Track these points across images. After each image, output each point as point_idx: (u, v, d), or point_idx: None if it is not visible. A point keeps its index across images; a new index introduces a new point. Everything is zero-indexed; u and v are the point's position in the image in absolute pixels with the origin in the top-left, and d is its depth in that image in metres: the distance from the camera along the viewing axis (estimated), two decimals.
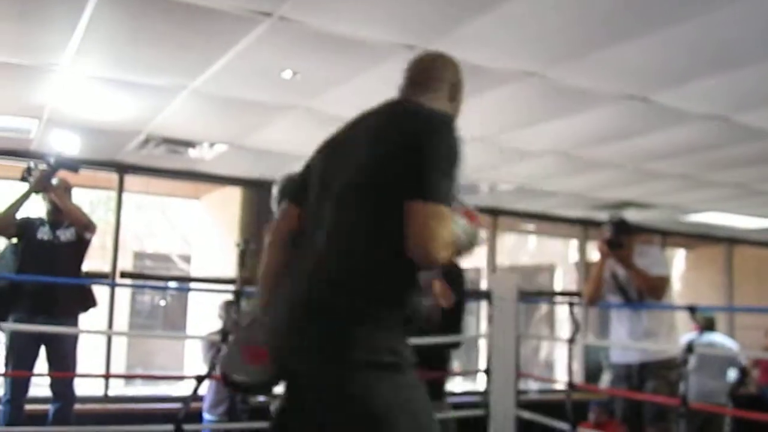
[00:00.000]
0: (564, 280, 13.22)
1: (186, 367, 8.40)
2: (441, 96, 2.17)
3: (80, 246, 4.77)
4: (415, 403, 1.90)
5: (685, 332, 5.46)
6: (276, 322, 1.93)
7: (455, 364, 6.53)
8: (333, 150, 2.03)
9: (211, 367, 4.47)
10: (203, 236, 8.82)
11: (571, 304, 5.32)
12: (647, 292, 4.33)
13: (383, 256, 1.83)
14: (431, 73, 2.20)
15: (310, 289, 1.86)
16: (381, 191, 1.84)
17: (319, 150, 2.07)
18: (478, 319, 9.11)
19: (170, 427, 4.32)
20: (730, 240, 9.95)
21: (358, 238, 1.85)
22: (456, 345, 5.23)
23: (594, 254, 5.44)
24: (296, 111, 4.58)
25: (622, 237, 4.37)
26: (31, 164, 4.61)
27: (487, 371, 4.82)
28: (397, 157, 1.85)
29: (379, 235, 1.83)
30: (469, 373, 9.36)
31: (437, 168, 1.83)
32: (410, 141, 1.86)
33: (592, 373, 8.36)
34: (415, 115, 1.98)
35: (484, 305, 6.01)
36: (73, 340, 4.69)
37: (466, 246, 2.05)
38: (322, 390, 1.81)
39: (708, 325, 6.05)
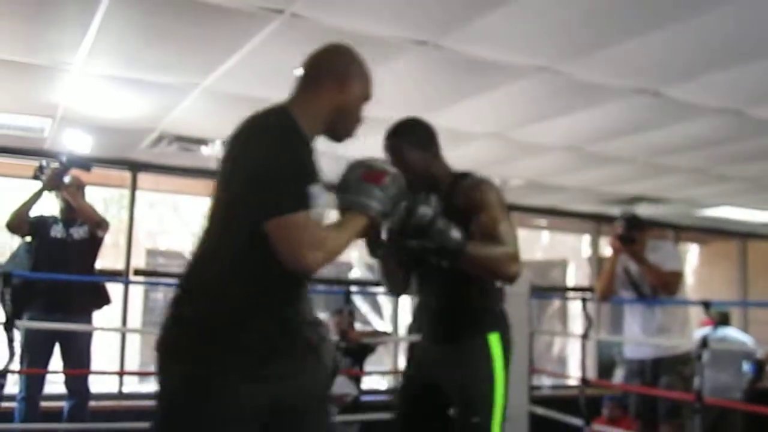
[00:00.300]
0: (577, 275, 13.19)
1: None
2: (328, 93, 2.07)
3: (93, 244, 4.80)
4: None
5: (694, 327, 5.45)
6: None
7: None
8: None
9: None
10: None
11: (583, 300, 5.31)
12: (660, 287, 4.32)
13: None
14: (315, 72, 2.11)
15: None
16: (232, 209, 1.90)
17: None
18: None
19: None
20: (744, 234, 9.88)
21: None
22: None
23: (606, 249, 5.42)
24: None
25: (634, 232, 4.36)
26: (43, 163, 4.65)
27: None
28: (236, 174, 1.90)
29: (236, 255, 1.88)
30: None
31: (271, 179, 1.82)
32: (241, 157, 1.90)
33: (605, 369, 8.34)
34: (247, 128, 1.97)
35: None
36: (88, 337, 4.72)
37: (389, 211, 2.05)
38: None
39: (722, 320, 6.03)
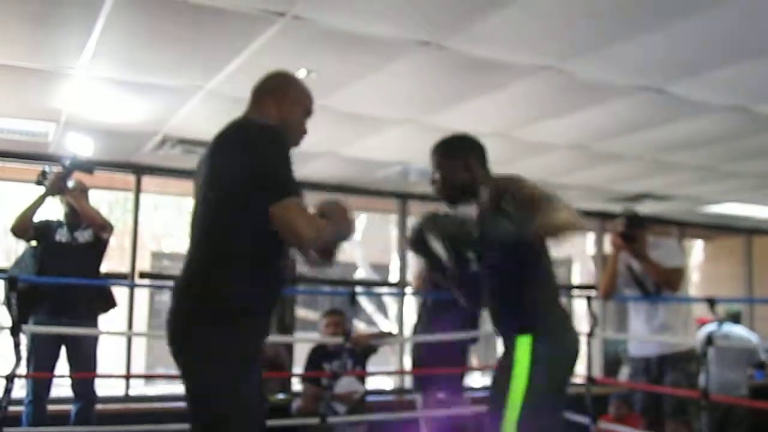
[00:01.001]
0: (581, 273, 13.17)
1: None
2: (267, 109, 2.47)
3: (98, 247, 4.81)
4: None
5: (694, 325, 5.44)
6: None
7: (473, 359, 6.53)
8: (197, 174, 2.45)
9: None
10: None
11: (588, 298, 5.30)
12: (663, 284, 4.32)
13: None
14: (258, 92, 2.55)
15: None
16: (227, 201, 2.24)
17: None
18: None
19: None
20: (749, 231, 9.86)
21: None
22: (474, 340, 5.24)
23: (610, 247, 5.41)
24: None
25: (635, 230, 4.36)
26: (46, 168, 4.66)
27: None
28: (235, 168, 2.22)
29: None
30: (488, 368, 9.34)
31: (274, 172, 2.20)
32: (245, 151, 2.23)
33: (612, 366, 8.33)
34: (243, 128, 2.37)
35: None
36: (94, 340, 4.73)
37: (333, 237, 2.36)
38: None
39: (732, 318, 6.01)
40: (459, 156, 2.74)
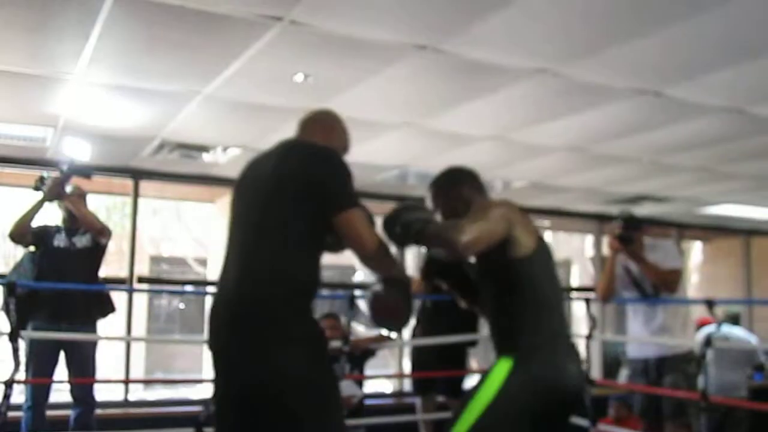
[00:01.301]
0: (580, 275, 13.18)
1: (205, 369, 8.44)
2: (316, 137, 2.61)
3: (96, 252, 4.80)
4: None
5: (693, 326, 5.44)
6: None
7: (473, 362, 6.52)
8: (242, 188, 2.56)
9: None
10: (218, 239, 8.86)
11: (587, 300, 5.30)
12: (661, 285, 4.32)
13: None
14: (306, 123, 2.71)
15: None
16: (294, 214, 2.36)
17: (234, 190, 2.62)
18: None
19: (191, 430, 4.35)
20: (747, 232, 9.87)
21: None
22: (473, 343, 5.25)
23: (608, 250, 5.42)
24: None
25: (632, 232, 4.36)
26: (44, 174, 4.66)
27: None
28: (301, 181, 2.36)
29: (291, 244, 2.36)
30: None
31: (341, 186, 2.39)
32: (314, 168, 2.39)
33: (611, 368, 8.33)
34: (305, 146, 2.54)
35: None
36: (93, 345, 4.72)
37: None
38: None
39: (731, 319, 6.01)
40: (453, 188, 2.77)
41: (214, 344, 2.42)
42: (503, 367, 2.44)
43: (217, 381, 2.42)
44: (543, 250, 2.55)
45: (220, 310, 2.40)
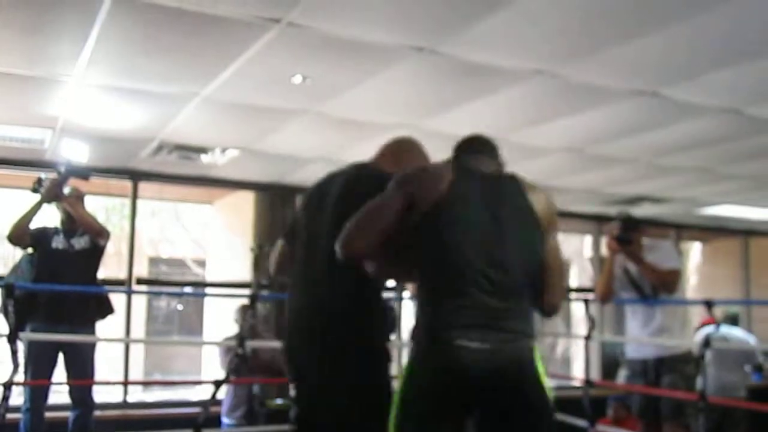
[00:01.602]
0: (579, 276, 13.19)
1: (204, 371, 8.44)
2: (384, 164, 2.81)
3: (95, 253, 4.80)
4: None
5: (695, 327, 5.44)
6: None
7: None
8: (311, 205, 2.77)
9: (229, 371, 4.50)
10: (217, 240, 8.86)
11: (586, 301, 5.31)
12: (659, 286, 4.33)
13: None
14: (384, 148, 2.94)
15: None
16: None
17: (302, 206, 2.86)
18: None
19: (189, 431, 4.36)
20: (746, 232, 9.88)
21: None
22: None
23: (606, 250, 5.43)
24: (307, 115, 4.59)
25: (630, 233, 4.37)
26: (42, 176, 4.65)
27: None
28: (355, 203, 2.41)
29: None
30: None
31: None
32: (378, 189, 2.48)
33: (610, 369, 8.33)
34: (372, 169, 2.78)
35: None
36: (91, 347, 4.72)
37: None
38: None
39: (731, 321, 6.02)
40: None
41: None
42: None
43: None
44: None
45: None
